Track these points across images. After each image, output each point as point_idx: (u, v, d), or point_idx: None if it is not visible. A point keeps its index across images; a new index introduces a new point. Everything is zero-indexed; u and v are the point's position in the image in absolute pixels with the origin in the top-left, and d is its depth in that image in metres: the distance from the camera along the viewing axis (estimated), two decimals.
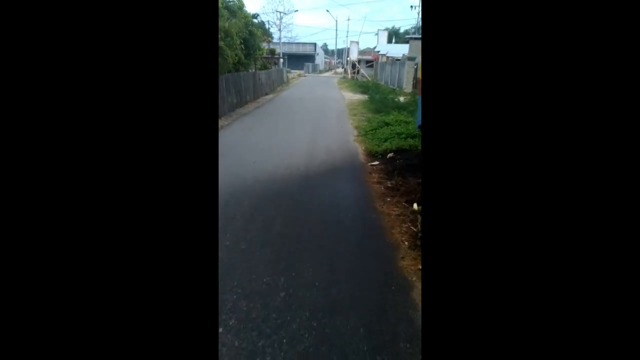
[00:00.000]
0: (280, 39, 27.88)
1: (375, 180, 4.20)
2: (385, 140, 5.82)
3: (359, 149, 5.67)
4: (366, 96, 13.86)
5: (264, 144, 5.89)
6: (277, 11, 27.34)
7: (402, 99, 11.15)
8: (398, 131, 6.14)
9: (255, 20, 15.79)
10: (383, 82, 20.29)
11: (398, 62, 17.42)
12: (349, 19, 47.12)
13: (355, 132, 7.00)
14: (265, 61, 16.99)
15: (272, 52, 18.41)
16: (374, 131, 6.61)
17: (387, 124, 6.87)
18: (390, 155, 5.00)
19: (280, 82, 19.84)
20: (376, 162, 4.87)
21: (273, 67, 22.43)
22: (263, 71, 14.92)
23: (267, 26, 31.84)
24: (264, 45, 17.66)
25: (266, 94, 14.83)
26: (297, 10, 33.82)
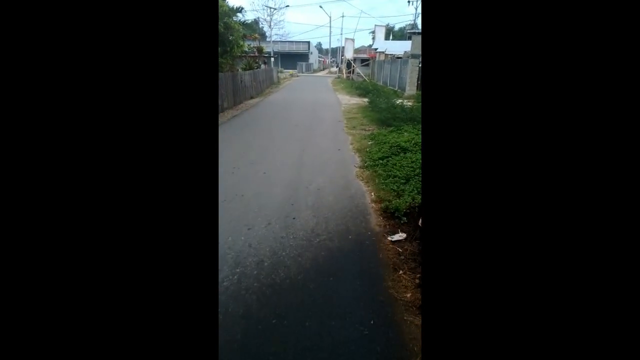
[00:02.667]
0: (271, 36, 25.43)
1: (409, 295, 2.02)
2: (407, 181, 3.64)
3: (367, 198, 3.48)
4: (365, 100, 11.65)
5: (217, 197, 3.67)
6: (266, 6, 24.84)
7: (408, 103, 8.98)
8: None
9: (240, 15, 13.55)
10: (381, 82, 18.07)
11: (399, 60, 15.20)
12: (343, 16, 44.56)
13: (358, 160, 4.81)
14: (251, 60, 14.67)
15: (260, 50, 16.06)
16: (384, 161, 4.42)
17: (404, 149, 4.68)
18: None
19: (270, 84, 17.54)
20: (401, 237, 2.68)
21: (263, 66, 20.16)
22: (247, 72, 12.64)
23: (260, 25, 29.42)
24: (250, 42, 15.38)
25: (251, 98, 12.58)
26: (288, 6, 31.23)
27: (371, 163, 4.46)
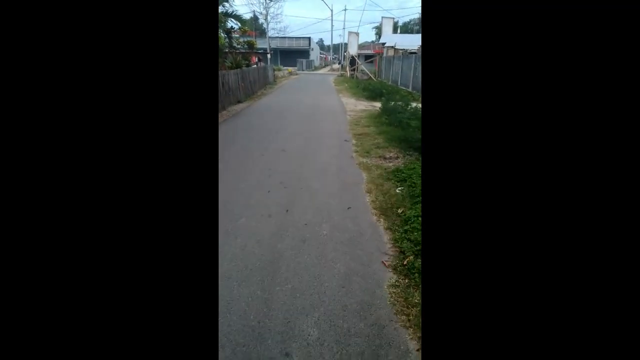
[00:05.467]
0: (267, 30, 22.94)
1: None
2: None
3: None
4: (374, 104, 9.32)
5: None
6: None
7: None
8: None
9: (227, 5, 11.23)
10: (390, 81, 15.67)
11: (413, 55, 12.78)
12: (345, 9, 41.75)
13: (387, 239, 2.51)
14: (238, 57, 12.30)
15: (251, 45, 13.68)
16: None
17: None
18: None
19: (264, 84, 15.16)
20: None
21: (259, 64, 17.76)
22: (233, 71, 10.30)
23: (260, 21, 27.03)
24: (238, 37, 13.02)
25: (238, 102, 10.29)
26: None
27: (416, 258, 2.15)
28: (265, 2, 22.22)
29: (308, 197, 3.30)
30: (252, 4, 31.00)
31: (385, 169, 4.09)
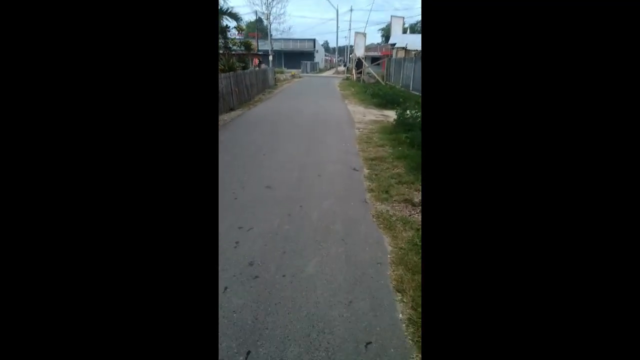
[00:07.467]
0: (269, 31, 21.50)
1: None
2: None
3: None
4: (387, 114, 7.84)
5: None
6: None
7: None
8: None
9: (221, 1, 9.85)
10: (401, 84, 14.15)
11: None
12: (351, 9, 40.21)
13: None
14: (231, 59, 10.87)
15: (248, 46, 12.24)
16: None
17: None
18: None
19: (263, 88, 13.71)
20: None
21: (259, 66, 16.38)
22: (224, 75, 8.88)
23: (265, 24, 25.69)
24: (234, 37, 11.62)
25: (230, 110, 8.90)
26: None
27: None
28: (268, 2, 20.78)
29: (292, 304, 1.82)
30: (254, 4, 29.63)
31: (417, 228, 2.60)
